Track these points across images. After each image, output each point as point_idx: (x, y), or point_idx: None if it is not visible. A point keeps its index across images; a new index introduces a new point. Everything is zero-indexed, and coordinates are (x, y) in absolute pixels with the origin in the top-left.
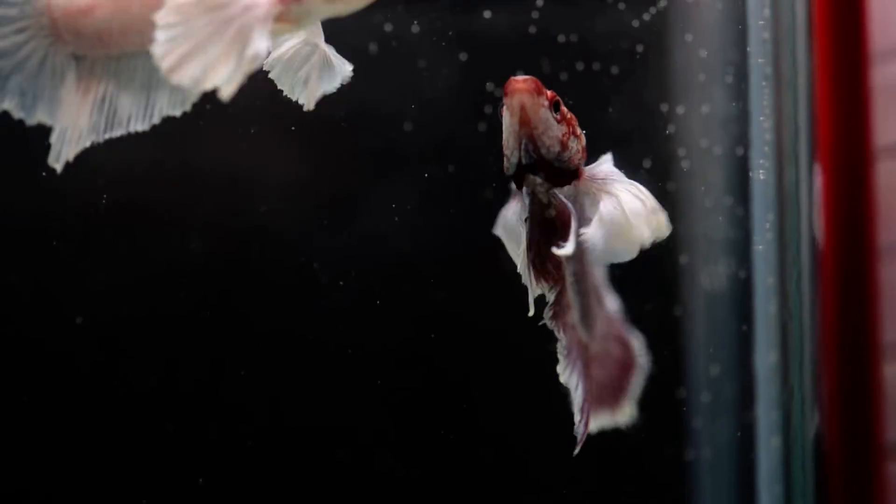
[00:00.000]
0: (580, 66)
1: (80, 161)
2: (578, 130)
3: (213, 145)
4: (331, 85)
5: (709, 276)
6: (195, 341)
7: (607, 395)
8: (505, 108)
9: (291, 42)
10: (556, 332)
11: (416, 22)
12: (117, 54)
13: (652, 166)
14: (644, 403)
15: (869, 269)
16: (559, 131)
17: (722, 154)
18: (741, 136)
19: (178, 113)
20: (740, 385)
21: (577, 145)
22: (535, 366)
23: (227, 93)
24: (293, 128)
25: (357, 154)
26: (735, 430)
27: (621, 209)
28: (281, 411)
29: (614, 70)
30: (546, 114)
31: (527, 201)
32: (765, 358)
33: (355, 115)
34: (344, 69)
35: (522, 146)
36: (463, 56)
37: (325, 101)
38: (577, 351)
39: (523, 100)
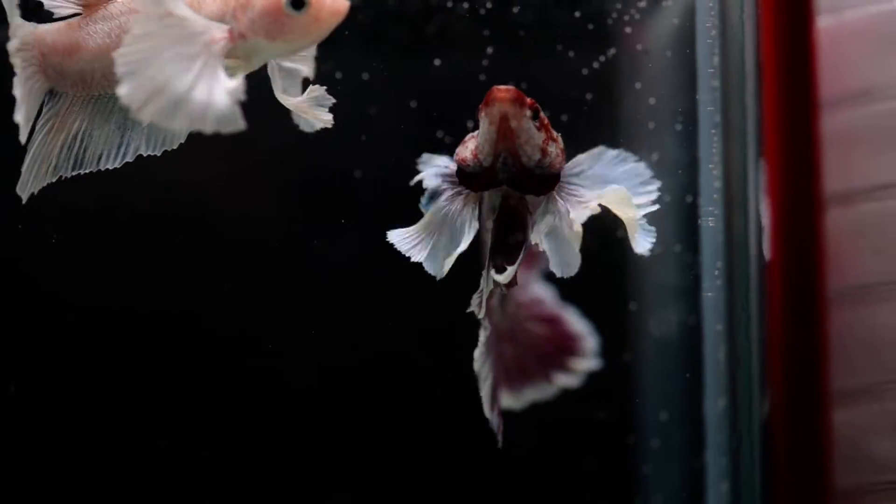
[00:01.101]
0: None
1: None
2: (555, 134)
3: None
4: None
5: (658, 322)
6: (195, 345)
7: (530, 370)
8: (483, 115)
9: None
10: (478, 316)
11: (365, 69)
12: (96, 95)
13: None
14: (594, 449)
15: (818, 316)
16: (539, 139)
17: (671, 201)
18: (690, 184)
19: (158, 153)
20: (689, 431)
21: (556, 149)
22: None
23: (232, 127)
24: (243, 179)
25: (305, 200)
26: (684, 475)
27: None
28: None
29: (564, 118)
30: (528, 123)
31: (487, 206)
32: (714, 404)
33: (304, 160)
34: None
35: (500, 160)
36: (413, 103)
37: (273, 146)
38: (493, 336)
39: (506, 109)
